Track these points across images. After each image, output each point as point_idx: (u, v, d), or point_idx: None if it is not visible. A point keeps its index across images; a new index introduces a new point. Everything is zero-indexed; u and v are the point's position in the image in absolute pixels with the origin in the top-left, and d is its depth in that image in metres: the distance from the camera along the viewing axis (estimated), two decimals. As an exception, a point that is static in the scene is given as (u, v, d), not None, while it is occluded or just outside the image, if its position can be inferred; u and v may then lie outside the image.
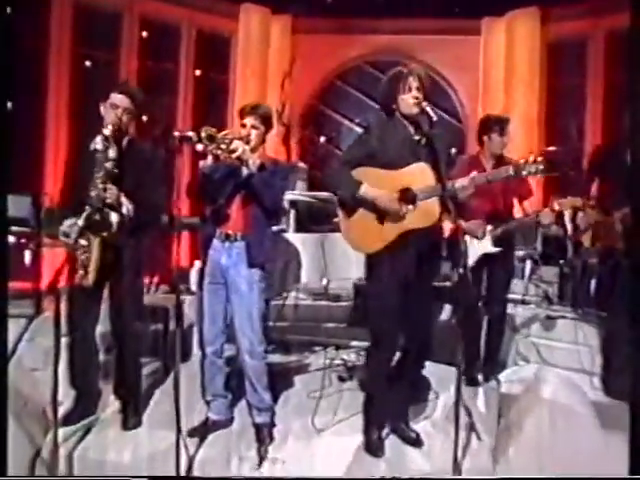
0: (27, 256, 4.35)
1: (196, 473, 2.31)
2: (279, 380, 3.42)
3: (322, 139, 7.79)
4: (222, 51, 8.31)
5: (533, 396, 2.50)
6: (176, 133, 2.12)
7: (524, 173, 2.38)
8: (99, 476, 2.34)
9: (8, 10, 7.09)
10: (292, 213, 3.33)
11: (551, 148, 6.92)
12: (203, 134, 2.26)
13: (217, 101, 8.25)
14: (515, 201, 3.61)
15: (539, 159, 2.39)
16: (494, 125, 3.41)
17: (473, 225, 3.35)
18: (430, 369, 3.71)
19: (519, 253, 5.66)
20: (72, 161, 2.96)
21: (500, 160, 3.44)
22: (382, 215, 2.43)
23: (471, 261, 3.40)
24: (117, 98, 2.65)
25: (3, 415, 2.08)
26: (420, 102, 2.40)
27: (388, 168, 2.44)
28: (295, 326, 4.46)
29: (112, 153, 2.54)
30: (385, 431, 2.62)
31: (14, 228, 4.25)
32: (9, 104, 7.27)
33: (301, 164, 6.62)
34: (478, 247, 3.38)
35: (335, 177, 2.49)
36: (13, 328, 3.29)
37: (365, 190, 2.41)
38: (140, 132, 2.79)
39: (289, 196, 3.52)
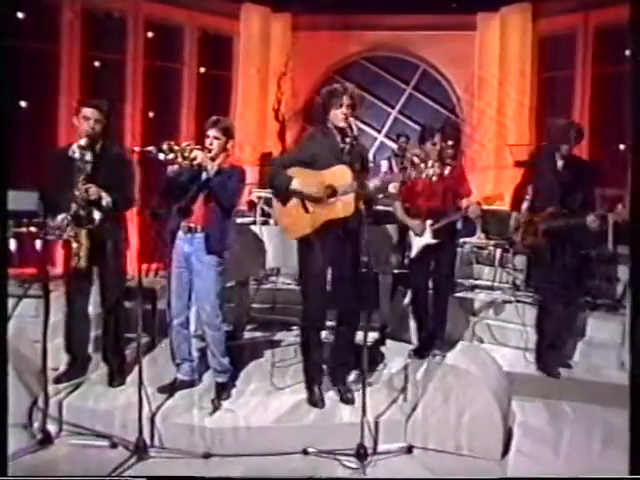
0: (38, 244, 4.93)
1: (159, 419, 2.83)
2: (252, 352, 3.97)
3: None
4: (224, 49, 8.60)
5: (443, 363, 2.98)
6: (136, 148, 2.61)
7: (423, 176, 2.84)
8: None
9: (21, 15, 7.58)
10: (259, 208, 3.81)
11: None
12: (164, 147, 2.76)
13: (220, 98, 8.63)
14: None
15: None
16: (427, 135, 3.87)
17: (414, 224, 3.90)
18: (388, 345, 4.22)
19: (490, 242, 6.08)
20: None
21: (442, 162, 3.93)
22: (307, 206, 2.94)
23: (415, 251, 3.91)
24: (88, 111, 3.13)
25: (3, 376, 2.56)
26: (347, 118, 2.87)
27: (317, 169, 2.94)
28: (276, 307, 5.01)
29: (88, 157, 3.05)
30: (325, 388, 3.12)
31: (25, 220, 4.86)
32: (23, 103, 7.83)
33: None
34: (420, 239, 3.87)
35: (273, 176, 3.03)
36: (25, 306, 3.89)
37: (296, 184, 2.93)
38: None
39: (259, 193, 4.00)
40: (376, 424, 2.84)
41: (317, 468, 2.66)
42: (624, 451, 2.81)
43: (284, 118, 7.81)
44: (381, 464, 2.70)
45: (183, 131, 8.09)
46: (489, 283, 5.60)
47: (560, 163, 3.72)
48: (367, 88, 9.14)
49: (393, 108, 9.09)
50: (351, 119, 2.88)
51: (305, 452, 2.73)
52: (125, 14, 7.71)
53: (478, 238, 6.32)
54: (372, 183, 2.89)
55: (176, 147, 2.79)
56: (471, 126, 8.85)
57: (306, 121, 8.56)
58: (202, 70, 8.37)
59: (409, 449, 2.82)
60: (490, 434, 2.74)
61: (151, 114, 7.99)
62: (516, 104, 8.60)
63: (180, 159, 2.86)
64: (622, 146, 7.82)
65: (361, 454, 2.62)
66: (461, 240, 5.99)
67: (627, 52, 7.55)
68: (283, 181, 2.94)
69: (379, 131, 9.07)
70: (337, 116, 2.92)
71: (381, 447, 2.81)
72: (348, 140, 2.88)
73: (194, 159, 2.91)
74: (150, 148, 2.67)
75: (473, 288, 5.45)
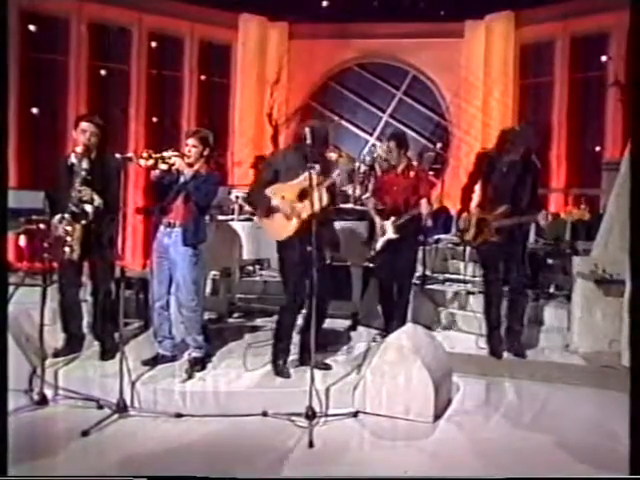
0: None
1: (140, 385, 3.31)
2: (232, 334, 4.44)
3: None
4: (224, 58, 9.12)
5: (384, 340, 3.46)
6: (118, 155, 3.10)
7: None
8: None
9: (32, 28, 8.21)
10: (236, 206, 4.31)
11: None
12: (144, 154, 3.24)
13: (220, 103, 9.11)
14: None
15: None
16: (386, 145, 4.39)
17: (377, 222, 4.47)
18: (360, 330, 4.73)
19: (462, 238, 6.48)
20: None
21: (407, 167, 4.45)
22: (288, 214, 3.45)
23: (379, 245, 4.39)
24: (85, 125, 3.61)
25: (4, 355, 3.01)
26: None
27: (289, 180, 3.46)
28: (261, 297, 5.52)
29: (85, 165, 3.52)
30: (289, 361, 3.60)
31: (34, 217, 5.39)
32: (35, 110, 8.43)
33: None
34: (383, 234, 4.35)
35: (254, 199, 3.60)
36: (32, 294, 4.41)
37: (274, 203, 3.44)
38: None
39: (236, 193, 4.51)
40: (327, 392, 3.30)
41: (274, 427, 3.11)
42: (553, 423, 3.26)
43: (277, 123, 8.29)
44: (329, 425, 3.14)
45: (184, 135, 8.59)
46: (460, 277, 6.02)
47: (506, 167, 4.07)
48: (360, 93, 9.64)
49: (384, 112, 9.53)
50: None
51: (265, 414, 3.19)
52: (130, 26, 8.26)
53: (454, 235, 6.75)
54: (328, 180, 3.44)
55: (154, 155, 3.28)
56: (459, 128, 9.26)
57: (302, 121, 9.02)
58: (202, 78, 8.86)
59: (355, 414, 3.27)
60: (421, 399, 3.17)
61: (154, 119, 8.52)
62: (501, 105, 8.99)
63: (160, 165, 3.34)
64: (598, 148, 8.22)
65: (309, 415, 3.07)
66: (436, 237, 6.45)
67: (603, 58, 8.03)
68: (264, 202, 3.45)
69: (371, 134, 9.52)
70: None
71: (331, 411, 3.27)
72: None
73: (173, 164, 3.40)
74: (130, 155, 3.15)
75: (445, 281, 5.87)
